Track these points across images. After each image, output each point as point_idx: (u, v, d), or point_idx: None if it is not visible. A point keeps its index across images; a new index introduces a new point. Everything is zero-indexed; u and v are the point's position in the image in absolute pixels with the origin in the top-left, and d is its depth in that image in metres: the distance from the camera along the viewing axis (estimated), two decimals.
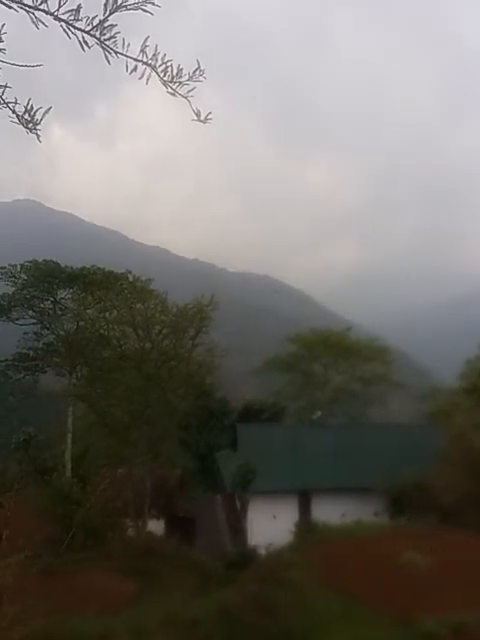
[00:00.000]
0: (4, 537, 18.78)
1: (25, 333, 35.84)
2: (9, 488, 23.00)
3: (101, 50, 3.73)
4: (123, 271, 36.72)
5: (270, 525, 24.77)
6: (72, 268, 35.51)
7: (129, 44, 3.55)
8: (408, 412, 50.26)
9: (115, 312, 30.30)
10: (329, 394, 44.04)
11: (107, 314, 30.87)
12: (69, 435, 32.38)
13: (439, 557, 15.48)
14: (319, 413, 40.17)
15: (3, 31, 3.80)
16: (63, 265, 35.76)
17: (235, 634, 11.37)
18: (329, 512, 23.49)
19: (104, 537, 19.80)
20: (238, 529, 27.50)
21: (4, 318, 34.95)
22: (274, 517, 25.94)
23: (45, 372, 36.79)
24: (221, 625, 11.53)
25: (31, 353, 35.71)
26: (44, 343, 35.92)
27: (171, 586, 15.50)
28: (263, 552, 20.86)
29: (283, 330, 65.29)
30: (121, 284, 35.12)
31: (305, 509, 27.52)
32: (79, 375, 32.73)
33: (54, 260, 36.15)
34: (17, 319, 35.22)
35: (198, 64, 3.80)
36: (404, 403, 53.11)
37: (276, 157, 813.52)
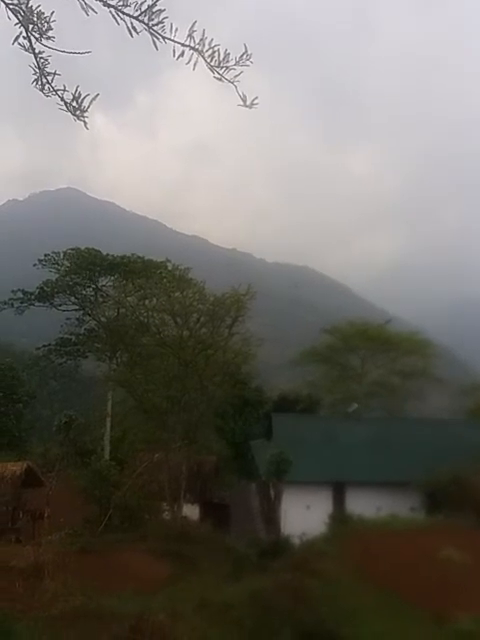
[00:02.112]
0: (46, 515, 19.50)
1: (67, 319, 36.92)
2: (51, 469, 23.84)
3: (149, 36, 3.74)
4: (162, 260, 37.25)
5: (304, 515, 24.75)
6: (113, 256, 36.28)
7: (177, 29, 3.55)
8: (447, 407, 49.09)
9: (154, 300, 30.73)
10: (366, 387, 43.46)
11: (146, 302, 31.37)
12: (108, 419, 33.24)
13: (476, 555, 15.18)
14: (355, 406, 39.68)
15: (52, 19, 3.85)
16: (104, 253, 36.56)
17: (267, 620, 11.45)
18: (364, 505, 23.27)
19: (140, 519, 20.28)
20: (272, 518, 27.61)
21: (47, 304, 36.08)
22: (308, 507, 25.91)
23: (86, 357, 37.85)
24: (253, 611, 11.64)
25: (73, 338, 36.78)
26: (85, 329, 36.95)
27: (205, 570, 15.72)
28: (296, 542, 20.90)
29: (320, 321, 64.70)
30: (160, 272, 35.66)
31: (339, 501, 27.36)
32: (119, 361, 33.44)
33: (96, 248, 37.01)
34: (60, 305, 36.33)
35: (245, 48, 3.76)
36: (444, 398, 51.92)
37: (317, 146, 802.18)
